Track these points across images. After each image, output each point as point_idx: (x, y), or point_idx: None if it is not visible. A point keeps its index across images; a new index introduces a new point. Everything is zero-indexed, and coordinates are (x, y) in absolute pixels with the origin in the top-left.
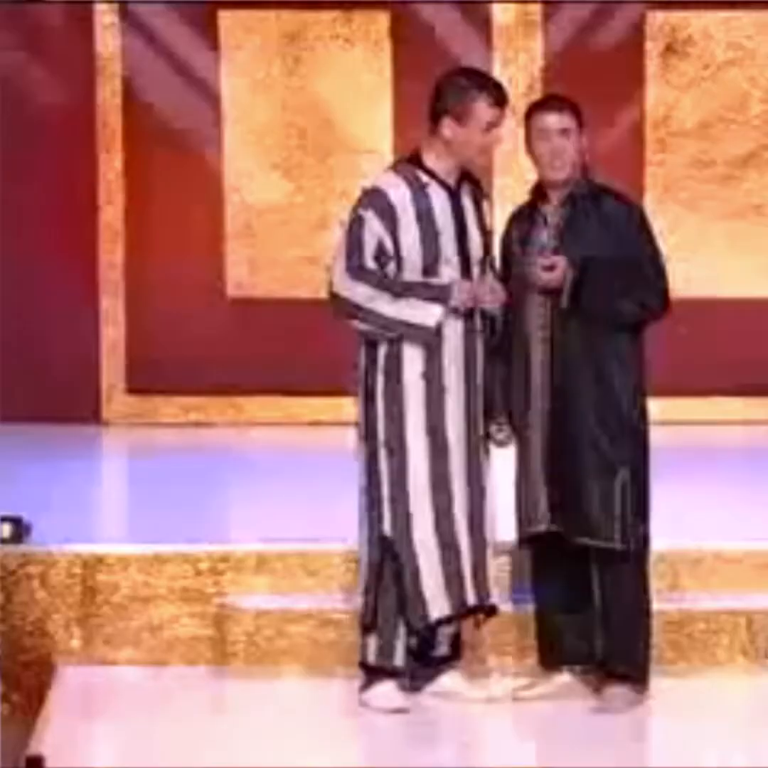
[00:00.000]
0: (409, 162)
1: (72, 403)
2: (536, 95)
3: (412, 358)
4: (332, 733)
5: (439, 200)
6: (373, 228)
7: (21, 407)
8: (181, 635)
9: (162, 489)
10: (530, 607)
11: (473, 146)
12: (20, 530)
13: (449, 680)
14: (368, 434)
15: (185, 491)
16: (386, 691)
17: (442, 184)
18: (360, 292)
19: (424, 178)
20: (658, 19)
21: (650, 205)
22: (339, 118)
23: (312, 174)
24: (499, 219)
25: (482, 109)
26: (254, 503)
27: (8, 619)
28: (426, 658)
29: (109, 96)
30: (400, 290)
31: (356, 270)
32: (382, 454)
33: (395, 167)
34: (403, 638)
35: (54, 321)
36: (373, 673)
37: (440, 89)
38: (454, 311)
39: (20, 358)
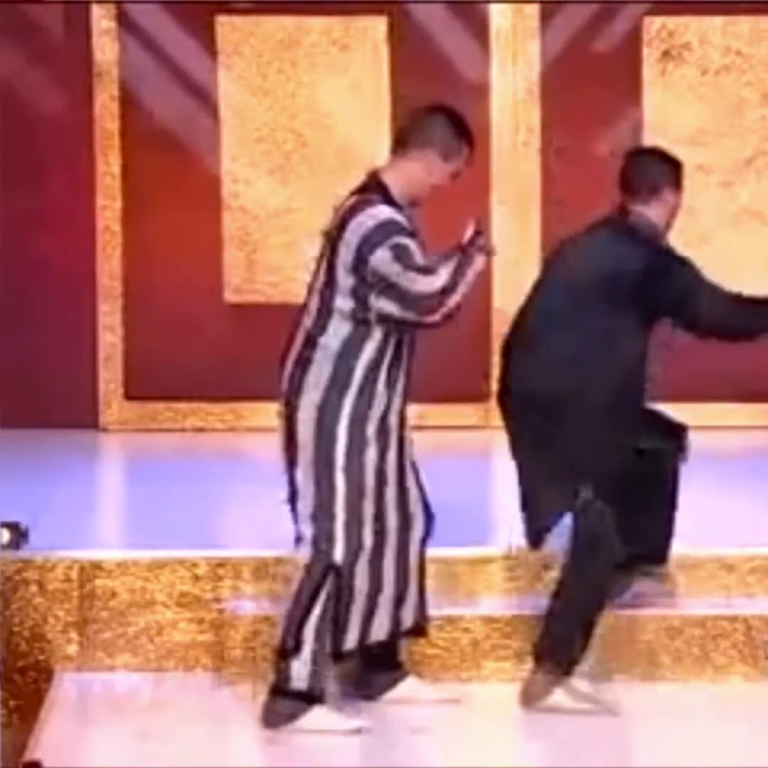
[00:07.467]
0: (382, 196)
1: (70, 409)
2: (534, 100)
3: (381, 393)
4: (330, 738)
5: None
6: (416, 250)
7: (19, 413)
8: (179, 641)
9: (160, 495)
10: (528, 613)
11: (435, 184)
12: (18, 536)
13: (406, 686)
14: (322, 458)
15: (183, 497)
16: (326, 713)
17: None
18: (438, 276)
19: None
20: (655, 24)
21: None
22: (337, 124)
23: (310, 179)
24: None
25: (465, 154)
26: (252, 509)
27: (6, 624)
28: (378, 663)
29: (107, 101)
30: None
31: (422, 268)
32: (340, 479)
33: (383, 201)
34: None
35: (52, 327)
36: (299, 699)
37: (429, 121)
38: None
39: (18, 363)
